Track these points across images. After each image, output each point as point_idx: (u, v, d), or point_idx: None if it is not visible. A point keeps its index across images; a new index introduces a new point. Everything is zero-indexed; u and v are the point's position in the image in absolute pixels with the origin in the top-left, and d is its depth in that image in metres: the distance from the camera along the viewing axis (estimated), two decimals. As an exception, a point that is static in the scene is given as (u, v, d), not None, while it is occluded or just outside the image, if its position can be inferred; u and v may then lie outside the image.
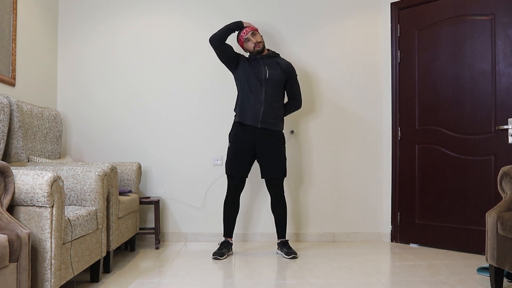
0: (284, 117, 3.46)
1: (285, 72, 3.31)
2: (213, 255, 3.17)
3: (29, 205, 1.95)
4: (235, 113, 3.35)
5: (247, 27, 3.32)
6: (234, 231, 3.35)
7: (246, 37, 3.30)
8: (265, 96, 3.21)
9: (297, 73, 3.43)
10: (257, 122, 3.21)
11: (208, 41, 3.33)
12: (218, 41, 3.29)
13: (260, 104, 3.21)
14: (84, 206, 2.47)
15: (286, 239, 3.33)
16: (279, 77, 3.27)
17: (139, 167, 3.55)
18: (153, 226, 3.69)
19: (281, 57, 3.45)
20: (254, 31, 3.31)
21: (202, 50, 3.84)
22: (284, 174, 3.30)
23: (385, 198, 3.82)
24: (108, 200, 2.70)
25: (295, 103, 3.44)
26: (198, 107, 3.84)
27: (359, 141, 3.86)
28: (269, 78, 3.23)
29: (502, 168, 2.50)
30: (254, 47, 3.28)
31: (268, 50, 3.38)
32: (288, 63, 3.38)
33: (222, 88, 3.77)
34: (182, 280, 2.61)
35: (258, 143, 3.24)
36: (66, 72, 3.82)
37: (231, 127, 3.36)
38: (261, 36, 3.35)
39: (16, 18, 3.06)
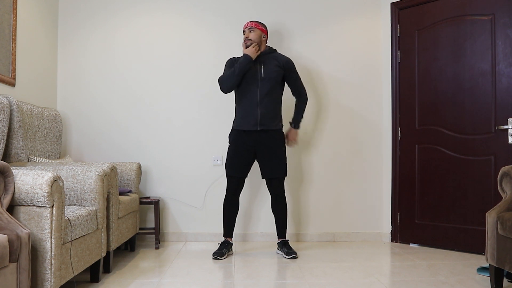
0: (302, 119, 3.42)
1: (283, 68, 3.26)
2: (213, 255, 3.17)
3: (29, 205, 1.95)
4: (234, 118, 3.34)
5: (251, 23, 3.29)
6: (234, 231, 3.35)
7: (244, 30, 3.30)
8: (261, 96, 3.19)
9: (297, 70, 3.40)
10: (256, 126, 3.20)
11: (220, 89, 3.27)
12: (235, 86, 3.23)
13: (256, 106, 3.19)
14: (84, 206, 2.47)
15: (286, 239, 3.33)
16: (275, 74, 3.22)
17: (139, 167, 3.55)
18: (153, 226, 3.69)
19: (279, 52, 3.40)
20: (252, 27, 3.25)
21: (202, 50, 3.85)
22: (284, 174, 3.29)
23: (385, 198, 3.82)
24: (108, 200, 2.70)
25: (302, 98, 3.39)
26: (198, 106, 3.84)
27: (359, 141, 3.86)
28: (265, 77, 3.20)
29: (502, 168, 2.49)
30: (244, 42, 3.27)
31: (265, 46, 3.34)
32: (285, 58, 3.32)
33: (222, 88, 3.77)
34: (182, 280, 2.61)
35: (258, 144, 3.23)
36: (66, 72, 3.82)
37: (231, 129, 3.35)
38: (260, 34, 3.25)
39: (16, 18, 3.06)
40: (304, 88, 3.43)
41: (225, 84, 3.21)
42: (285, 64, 3.28)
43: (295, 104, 3.43)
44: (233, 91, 3.35)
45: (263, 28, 3.29)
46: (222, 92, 3.30)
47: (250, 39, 3.23)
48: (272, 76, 3.21)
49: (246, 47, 3.23)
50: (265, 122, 3.20)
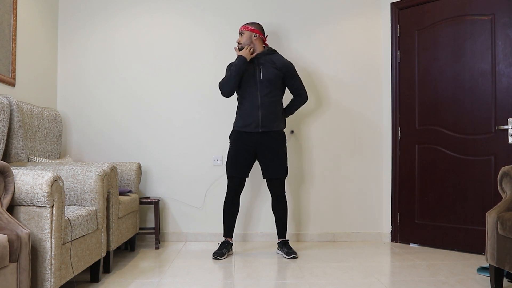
0: (291, 115, 3.49)
1: (281, 71, 3.26)
2: (213, 255, 3.17)
3: (29, 205, 1.95)
4: (235, 119, 3.34)
5: (242, 26, 3.34)
6: (234, 231, 3.35)
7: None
8: (261, 98, 3.19)
9: (297, 71, 3.39)
10: (257, 128, 3.20)
11: (221, 94, 3.28)
12: (235, 88, 3.23)
13: (257, 108, 3.19)
14: (84, 206, 2.47)
15: (287, 239, 3.33)
16: (274, 76, 3.22)
17: (139, 167, 3.55)
18: (153, 226, 3.69)
19: (279, 54, 3.39)
20: (241, 31, 3.31)
21: (202, 50, 3.85)
22: (285, 174, 3.29)
23: (385, 198, 3.82)
24: (108, 200, 2.70)
25: (300, 98, 3.40)
26: (198, 106, 3.84)
27: (359, 141, 3.86)
28: (264, 79, 3.21)
29: (502, 168, 2.50)
30: (236, 47, 3.32)
31: (264, 46, 3.34)
32: (284, 61, 3.31)
33: (222, 88, 3.77)
34: (182, 280, 2.61)
35: (260, 145, 3.24)
36: (66, 72, 3.82)
37: (232, 130, 3.35)
38: (250, 35, 3.27)
39: (16, 18, 3.06)
40: (305, 91, 3.41)
41: (224, 87, 3.23)
42: (283, 67, 3.27)
43: (292, 100, 3.42)
44: (236, 97, 3.36)
45: (253, 28, 3.29)
46: (223, 96, 3.31)
47: (240, 43, 3.29)
48: (270, 78, 3.22)
49: (240, 50, 3.28)
50: (266, 124, 3.20)
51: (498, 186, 2.51)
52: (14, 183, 1.92)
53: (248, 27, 3.29)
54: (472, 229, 3.29)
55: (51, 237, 1.95)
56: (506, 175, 2.45)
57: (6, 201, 1.87)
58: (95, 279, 2.54)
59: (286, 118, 3.47)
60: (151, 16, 3.85)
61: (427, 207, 3.54)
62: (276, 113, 3.26)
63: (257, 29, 3.29)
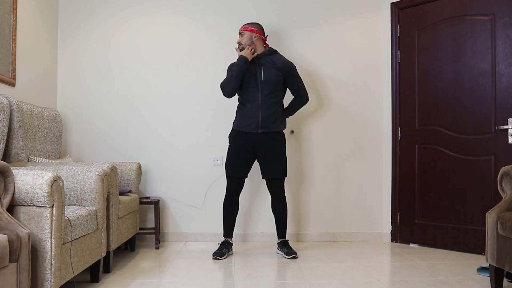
0: (291, 115, 3.48)
1: (281, 71, 3.25)
2: (213, 255, 3.17)
3: (29, 205, 1.95)
4: (235, 118, 3.34)
5: (242, 27, 3.33)
6: (234, 231, 3.35)
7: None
8: (262, 99, 3.19)
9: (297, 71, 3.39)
10: (257, 128, 3.21)
11: (223, 95, 3.28)
12: (236, 89, 3.23)
13: (257, 108, 3.19)
14: (84, 206, 2.47)
15: (286, 239, 3.33)
16: (275, 77, 3.22)
17: (139, 167, 3.55)
18: (153, 226, 3.69)
19: (280, 54, 3.38)
20: (242, 31, 3.30)
21: (202, 50, 3.85)
22: (284, 174, 3.29)
23: (385, 198, 3.82)
24: (108, 200, 2.70)
25: (301, 98, 3.39)
26: (198, 106, 3.84)
27: (359, 141, 3.86)
28: (265, 80, 3.20)
29: (502, 168, 2.50)
30: (237, 48, 3.32)
31: (265, 47, 3.35)
32: (284, 61, 3.31)
33: (222, 88, 3.77)
34: (182, 280, 2.61)
35: (259, 145, 3.24)
36: (66, 72, 3.82)
37: (231, 129, 3.35)
38: (250, 36, 3.27)
39: (16, 18, 3.06)
40: (305, 91, 3.40)
41: (226, 88, 3.23)
42: (283, 68, 3.27)
43: (292, 100, 3.41)
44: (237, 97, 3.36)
45: (253, 28, 3.29)
46: (225, 97, 3.30)
47: (241, 44, 3.29)
48: (272, 79, 3.22)
49: (241, 51, 3.27)
50: (266, 124, 3.20)
51: (498, 186, 2.51)
52: (14, 183, 1.92)
53: (248, 28, 3.29)
54: (472, 229, 3.29)
55: (51, 237, 1.95)
56: (506, 175, 2.45)
57: (6, 201, 1.87)
58: (95, 279, 2.54)
59: (286, 118, 3.46)
60: (151, 16, 3.85)
61: (427, 207, 3.54)
62: (277, 114, 3.26)
63: (257, 29, 3.29)
